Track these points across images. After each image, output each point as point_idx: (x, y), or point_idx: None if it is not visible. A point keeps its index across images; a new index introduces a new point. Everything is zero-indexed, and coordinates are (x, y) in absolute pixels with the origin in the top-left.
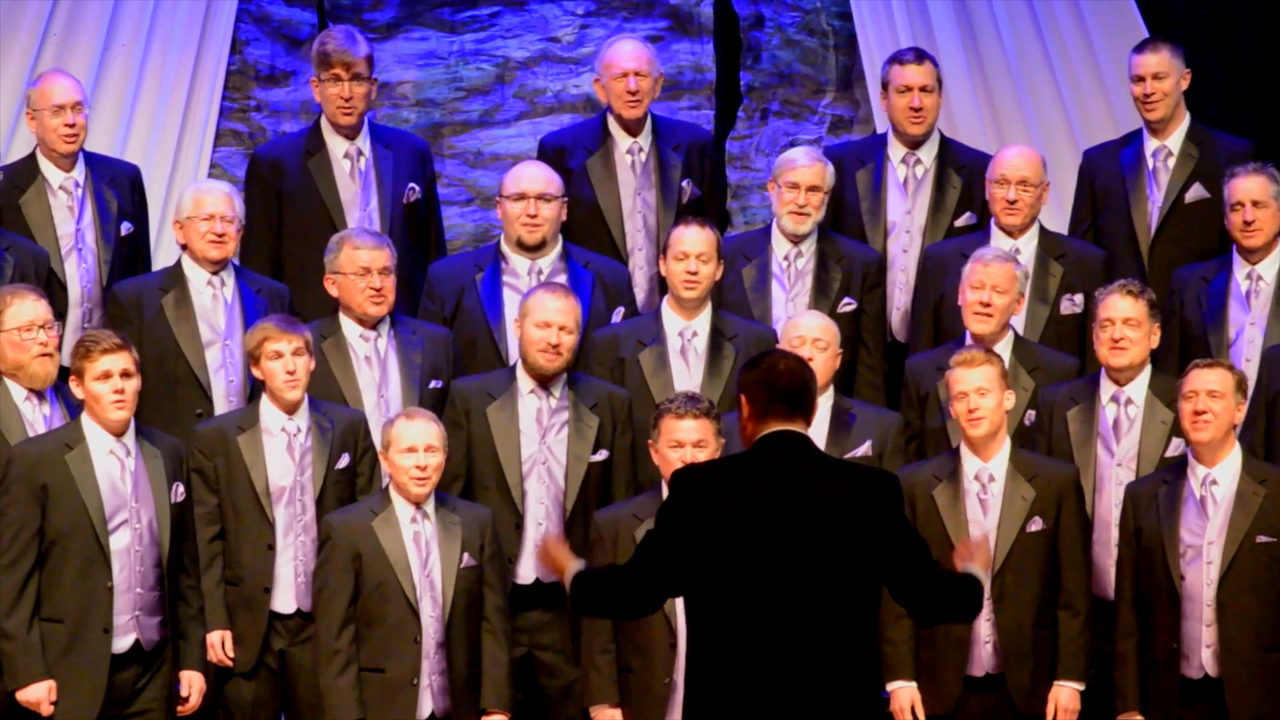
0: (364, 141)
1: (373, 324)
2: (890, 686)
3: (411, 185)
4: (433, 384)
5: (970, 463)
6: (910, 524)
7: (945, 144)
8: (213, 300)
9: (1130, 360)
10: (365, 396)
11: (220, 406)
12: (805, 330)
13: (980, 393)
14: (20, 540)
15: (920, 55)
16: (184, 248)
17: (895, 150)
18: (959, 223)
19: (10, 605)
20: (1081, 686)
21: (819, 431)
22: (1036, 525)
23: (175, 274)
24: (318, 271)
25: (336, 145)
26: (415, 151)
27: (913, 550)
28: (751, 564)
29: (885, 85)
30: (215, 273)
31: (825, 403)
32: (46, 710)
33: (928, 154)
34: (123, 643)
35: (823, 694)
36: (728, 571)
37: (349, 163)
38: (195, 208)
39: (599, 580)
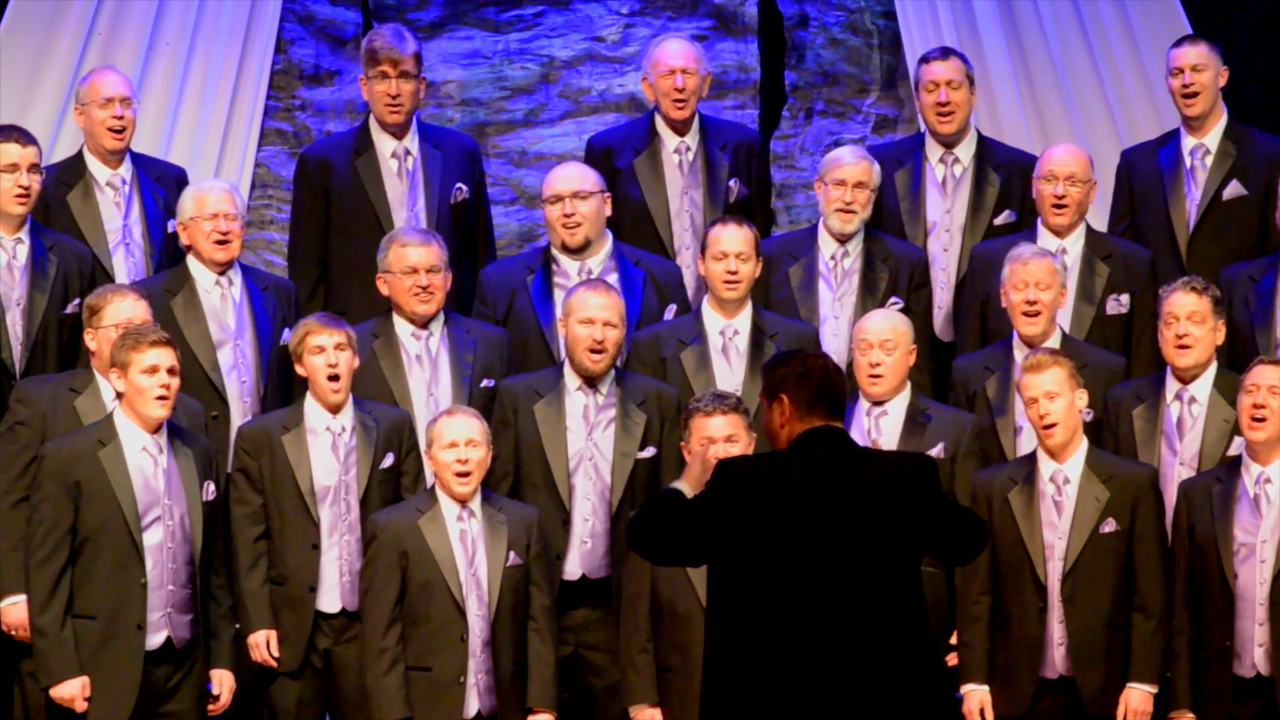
0: (412, 140)
1: (424, 323)
2: (963, 689)
3: (459, 185)
4: (484, 383)
5: (1046, 465)
6: (949, 497)
7: (983, 142)
8: (221, 300)
9: (1195, 359)
10: (415, 395)
11: (235, 407)
12: (871, 334)
13: (1050, 397)
14: (53, 537)
15: (946, 52)
16: (188, 249)
17: (933, 150)
18: (998, 221)
19: (43, 602)
20: (1154, 689)
21: (894, 431)
22: (1110, 527)
23: (181, 275)
24: (364, 270)
25: (384, 144)
26: (464, 151)
27: (951, 512)
28: (796, 554)
29: (917, 85)
30: (222, 272)
31: (900, 402)
32: (80, 707)
33: (965, 152)
34: (154, 640)
35: (871, 678)
36: (772, 561)
37: (396, 162)
38: (198, 208)
39: (671, 513)
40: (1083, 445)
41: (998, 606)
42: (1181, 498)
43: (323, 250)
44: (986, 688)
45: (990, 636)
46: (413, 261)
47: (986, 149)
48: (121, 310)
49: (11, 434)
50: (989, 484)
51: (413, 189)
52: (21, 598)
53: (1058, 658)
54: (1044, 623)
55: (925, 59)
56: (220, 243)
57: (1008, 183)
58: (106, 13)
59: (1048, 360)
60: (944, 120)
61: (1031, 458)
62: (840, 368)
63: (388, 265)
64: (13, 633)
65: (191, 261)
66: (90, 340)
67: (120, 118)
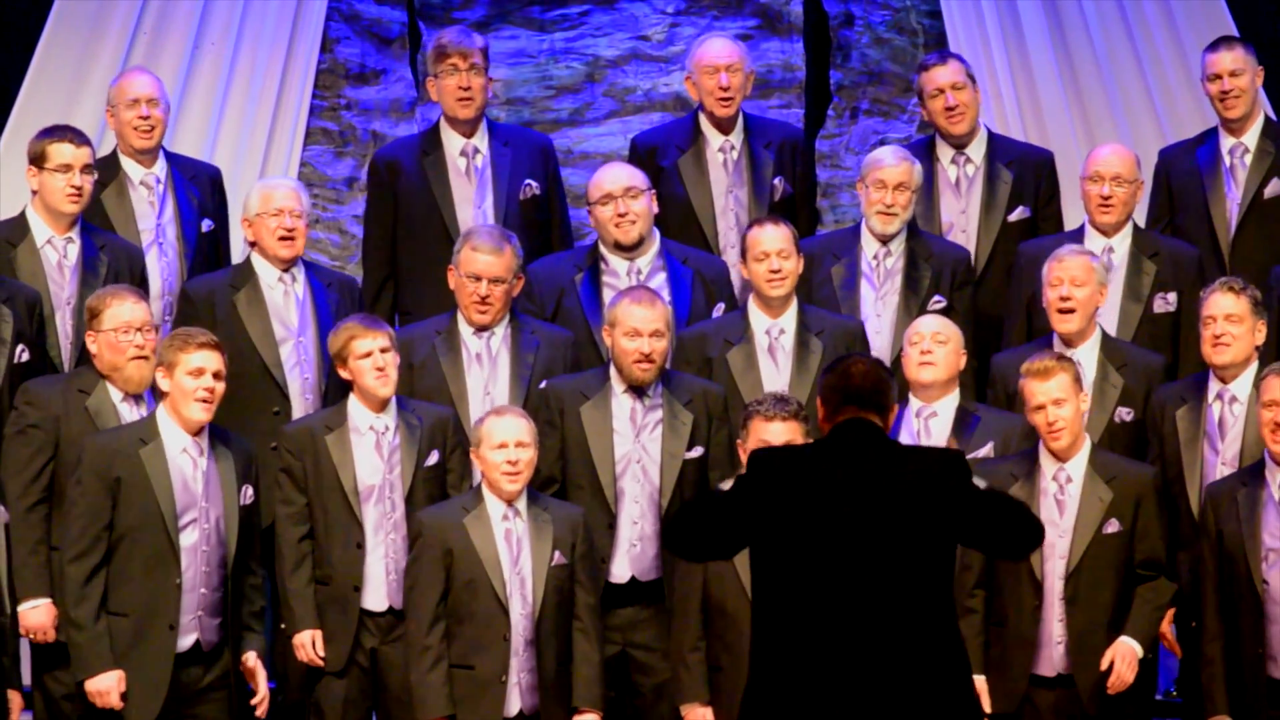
0: (481, 139)
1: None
2: None
3: (529, 181)
4: (543, 384)
5: (1049, 464)
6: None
7: (993, 140)
8: (284, 297)
9: (1233, 357)
10: (472, 394)
11: (296, 404)
12: (925, 328)
13: (1058, 404)
14: (90, 532)
15: (944, 56)
16: (253, 245)
17: (944, 151)
18: (1012, 218)
19: (78, 596)
20: (1141, 652)
21: (943, 432)
22: (1113, 527)
23: (246, 271)
24: (433, 270)
25: (453, 143)
26: (536, 148)
27: (996, 506)
28: (822, 541)
29: (920, 93)
30: (286, 269)
31: (949, 404)
32: (115, 701)
33: (977, 151)
34: (184, 641)
35: (895, 668)
36: (799, 548)
37: (465, 160)
38: (263, 204)
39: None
40: (1086, 445)
41: (993, 602)
42: (1208, 501)
43: (391, 250)
44: (983, 678)
45: (984, 629)
46: (478, 268)
47: (997, 146)
48: (121, 313)
49: (24, 437)
50: (989, 477)
51: (480, 187)
52: (41, 601)
53: (1056, 656)
54: (1038, 620)
55: (924, 65)
56: (285, 239)
57: (1020, 179)
58: (151, 12)
59: (1053, 366)
60: (955, 122)
61: (1033, 454)
62: (885, 366)
63: (457, 263)
64: (32, 636)
65: (255, 258)
66: (91, 343)
67: (146, 118)
